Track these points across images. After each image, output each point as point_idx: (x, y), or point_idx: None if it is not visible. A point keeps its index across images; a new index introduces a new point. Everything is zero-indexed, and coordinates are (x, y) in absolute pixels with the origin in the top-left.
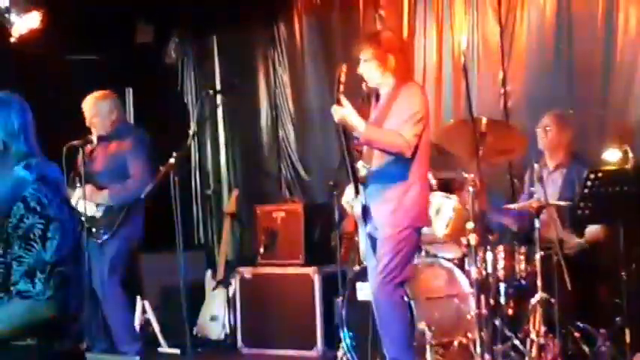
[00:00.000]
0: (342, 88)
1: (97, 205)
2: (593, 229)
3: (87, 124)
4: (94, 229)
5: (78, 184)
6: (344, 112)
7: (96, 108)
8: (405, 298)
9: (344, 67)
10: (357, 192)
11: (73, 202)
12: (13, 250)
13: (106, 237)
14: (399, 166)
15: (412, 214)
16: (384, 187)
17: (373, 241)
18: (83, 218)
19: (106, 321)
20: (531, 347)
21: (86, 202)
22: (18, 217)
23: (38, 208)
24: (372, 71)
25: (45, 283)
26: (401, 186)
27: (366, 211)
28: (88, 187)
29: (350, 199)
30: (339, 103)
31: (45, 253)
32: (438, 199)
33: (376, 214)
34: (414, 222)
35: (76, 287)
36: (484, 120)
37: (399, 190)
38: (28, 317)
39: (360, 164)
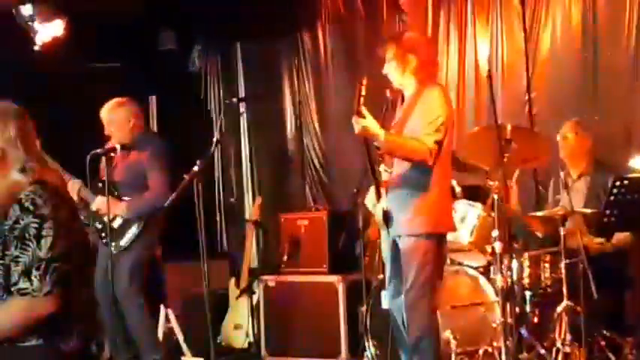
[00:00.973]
0: (362, 100)
1: (115, 216)
2: (620, 234)
3: (105, 132)
4: (110, 239)
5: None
6: (365, 122)
7: (112, 116)
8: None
9: (364, 81)
10: (378, 197)
11: (93, 208)
12: (10, 252)
13: (123, 247)
14: (420, 172)
15: (432, 221)
16: (404, 193)
17: (396, 246)
18: (100, 225)
19: (129, 331)
20: (557, 356)
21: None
22: (14, 219)
23: (32, 208)
24: (393, 71)
25: (41, 279)
26: (421, 192)
27: (387, 216)
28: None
29: (372, 203)
30: (359, 114)
31: (40, 251)
32: (462, 206)
33: (397, 220)
34: (435, 229)
35: (81, 286)
36: (509, 127)
37: (419, 196)
38: (27, 314)
39: (382, 168)
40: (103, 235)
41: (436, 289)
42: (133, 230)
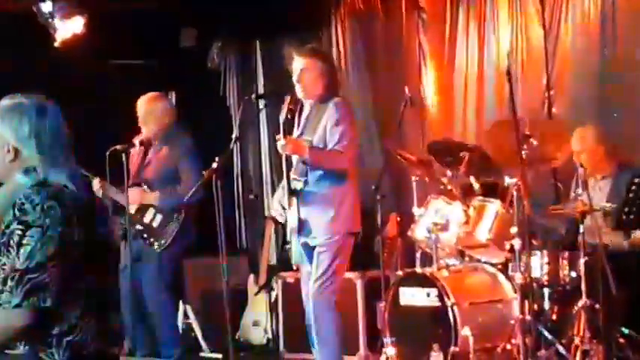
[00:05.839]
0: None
1: (155, 214)
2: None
3: (140, 123)
4: (151, 238)
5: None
6: (293, 142)
7: (150, 108)
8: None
9: (288, 101)
10: (290, 205)
11: (132, 211)
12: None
13: (162, 245)
14: (334, 175)
15: (350, 221)
16: (322, 197)
17: (308, 248)
18: (141, 227)
19: (149, 326)
20: (575, 353)
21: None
22: (6, 224)
23: (18, 214)
24: (304, 81)
25: (12, 291)
26: (338, 194)
27: (301, 224)
28: (138, 190)
29: (280, 208)
30: (285, 136)
31: (18, 260)
32: (481, 203)
33: (314, 223)
34: (352, 228)
35: (74, 298)
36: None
37: (336, 198)
38: (2, 325)
39: (291, 176)
40: (145, 236)
41: (340, 284)
42: (172, 228)
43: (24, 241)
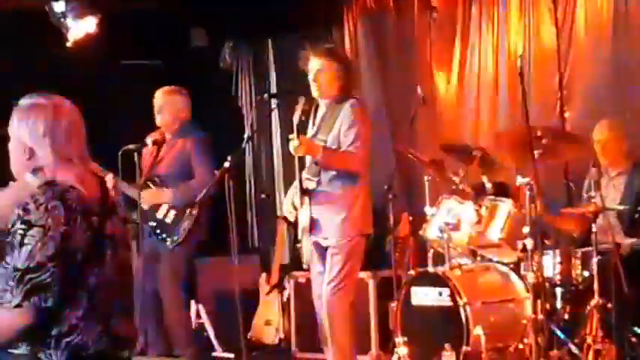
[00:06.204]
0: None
1: (168, 210)
2: None
3: (155, 112)
4: (164, 234)
5: (152, 187)
6: (306, 143)
7: (168, 100)
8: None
9: (302, 102)
10: (302, 204)
11: (145, 207)
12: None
13: (176, 241)
14: (347, 176)
15: (361, 223)
16: (334, 197)
17: (320, 247)
18: (154, 223)
19: (163, 325)
20: (588, 352)
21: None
22: (11, 224)
23: (22, 214)
24: (319, 81)
25: (12, 291)
26: (350, 195)
27: (312, 224)
28: (151, 191)
29: (291, 207)
30: (298, 137)
31: (19, 259)
32: (493, 202)
33: (326, 223)
34: (363, 230)
35: (75, 298)
36: (539, 132)
37: (349, 199)
38: (2, 324)
39: (304, 176)
40: (158, 232)
41: (353, 286)
42: (185, 224)
43: (25, 241)
